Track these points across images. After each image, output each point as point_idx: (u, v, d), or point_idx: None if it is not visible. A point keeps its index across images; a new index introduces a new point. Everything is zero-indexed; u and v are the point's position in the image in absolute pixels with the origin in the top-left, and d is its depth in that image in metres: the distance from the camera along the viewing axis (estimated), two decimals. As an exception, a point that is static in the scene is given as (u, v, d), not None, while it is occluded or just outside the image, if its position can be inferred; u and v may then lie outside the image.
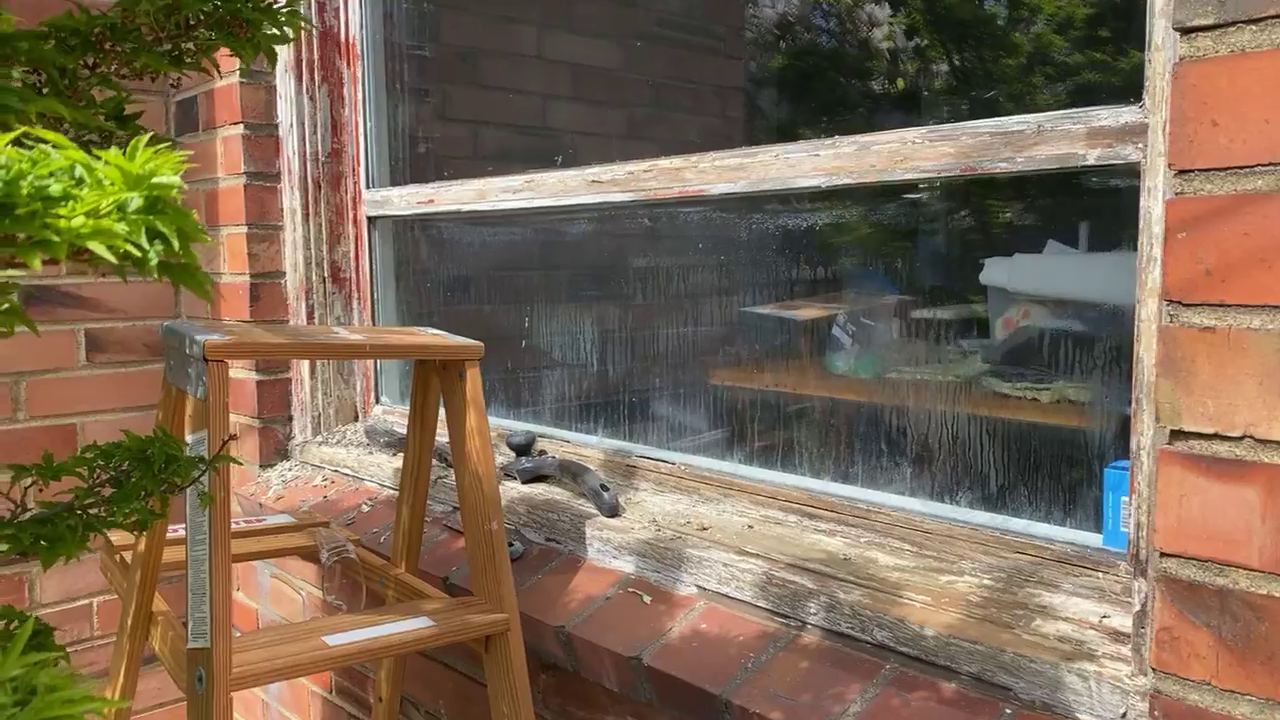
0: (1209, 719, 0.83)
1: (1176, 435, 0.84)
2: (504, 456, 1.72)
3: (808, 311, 1.83)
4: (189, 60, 0.73)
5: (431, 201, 1.91)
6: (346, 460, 1.93)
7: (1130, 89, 1.00)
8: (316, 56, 2.02)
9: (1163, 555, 0.85)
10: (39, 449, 2.02)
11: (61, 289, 2.09)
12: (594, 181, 1.57)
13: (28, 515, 0.78)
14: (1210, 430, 0.81)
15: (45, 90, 0.64)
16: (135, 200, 0.43)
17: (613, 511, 1.45)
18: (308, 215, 2.03)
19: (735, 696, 1.08)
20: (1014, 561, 1.15)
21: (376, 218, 2.07)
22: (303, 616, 1.96)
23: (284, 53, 2.00)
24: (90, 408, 2.14)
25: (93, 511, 0.80)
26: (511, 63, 2.37)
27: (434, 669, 1.62)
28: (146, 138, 0.46)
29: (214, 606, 1.02)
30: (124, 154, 0.44)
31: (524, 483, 1.64)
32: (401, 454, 1.87)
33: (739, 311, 1.84)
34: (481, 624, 1.20)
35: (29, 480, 0.79)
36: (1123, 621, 1.00)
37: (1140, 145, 0.97)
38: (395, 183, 2.10)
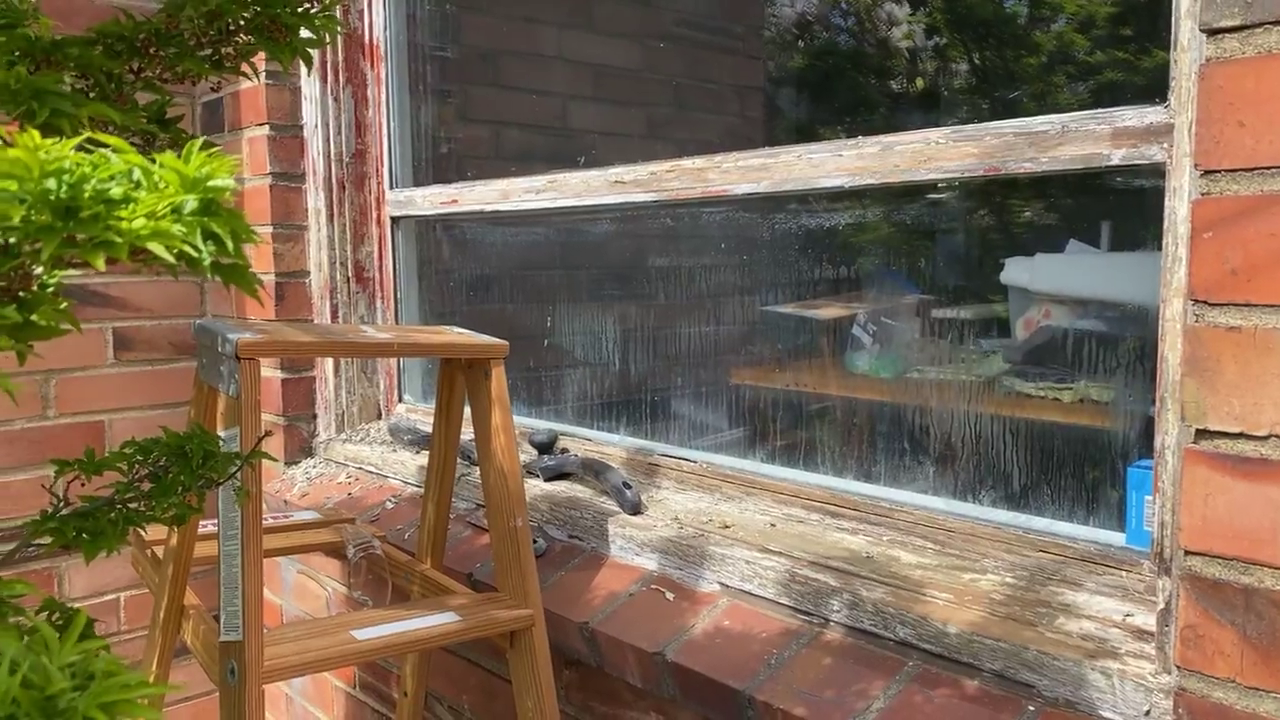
0: (1234, 717, 0.83)
1: (1202, 434, 0.84)
2: (526, 454, 1.74)
3: (828, 311, 1.83)
4: (228, 64, 0.75)
5: (455, 202, 1.92)
6: (370, 458, 1.96)
7: (1153, 89, 1.00)
8: (341, 58, 2.04)
9: (1188, 554, 0.85)
10: (68, 446, 2.06)
11: (90, 288, 2.12)
12: (617, 182, 1.58)
13: (69, 510, 0.80)
14: (1236, 429, 0.82)
15: (93, 94, 0.66)
16: (190, 202, 0.44)
17: (635, 509, 1.46)
18: (332, 215, 2.05)
19: (759, 693, 1.09)
20: (1036, 560, 1.15)
21: (400, 218, 2.09)
22: (327, 612, 1.98)
23: (309, 54, 2.02)
24: (118, 405, 2.17)
25: (132, 506, 0.82)
26: (532, 63, 2.38)
27: (457, 664, 1.63)
28: (200, 141, 0.47)
29: (246, 600, 1.04)
30: (178, 157, 0.46)
31: (546, 480, 1.66)
32: (424, 451, 1.89)
33: (759, 311, 1.85)
34: (507, 619, 1.21)
35: (72, 475, 0.81)
36: (1146, 620, 1.01)
37: (1165, 145, 0.98)
38: (418, 183, 2.12)
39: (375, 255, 2.12)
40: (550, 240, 2.21)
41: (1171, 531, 0.94)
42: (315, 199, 2.06)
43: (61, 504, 0.79)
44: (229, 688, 1.05)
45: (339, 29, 2.00)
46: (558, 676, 1.39)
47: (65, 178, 0.41)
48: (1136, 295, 1.44)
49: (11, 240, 0.42)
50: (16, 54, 0.60)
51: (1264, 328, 0.80)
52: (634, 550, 1.40)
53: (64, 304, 0.47)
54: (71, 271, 0.48)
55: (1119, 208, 1.58)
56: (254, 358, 1.07)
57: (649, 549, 1.38)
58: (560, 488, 1.62)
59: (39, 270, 0.45)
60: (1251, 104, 0.80)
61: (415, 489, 1.82)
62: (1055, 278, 1.68)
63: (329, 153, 2.04)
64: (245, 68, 0.76)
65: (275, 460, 2.11)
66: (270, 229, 2.05)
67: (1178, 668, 0.87)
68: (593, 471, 1.59)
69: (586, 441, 1.77)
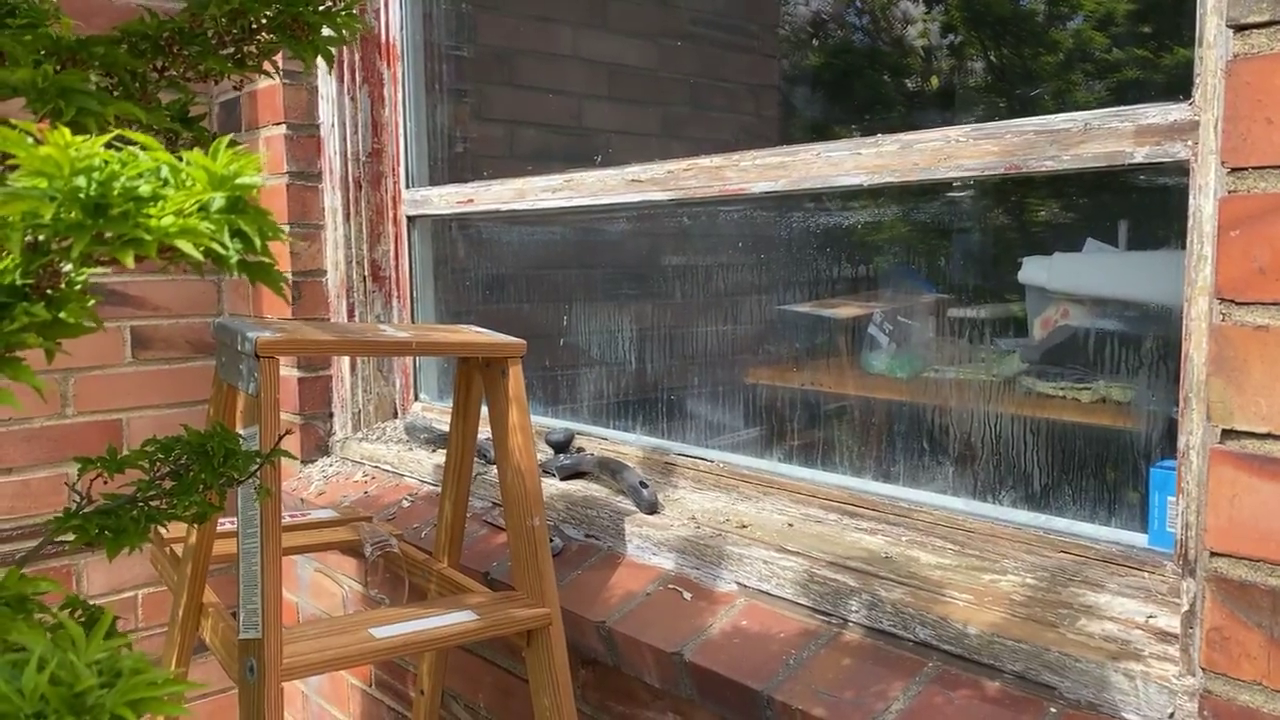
0: (1260, 719, 0.82)
1: (1228, 435, 0.83)
2: (542, 453, 1.74)
3: (845, 310, 1.82)
4: (250, 63, 0.75)
5: (471, 201, 1.93)
6: (386, 456, 1.96)
7: (1175, 86, 1.00)
8: (358, 58, 2.04)
9: (1213, 555, 0.85)
10: (86, 444, 2.07)
11: (108, 287, 2.13)
12: (633, 180, 1.58)
13: (92, 507, 0.80)
14: (1263, 430, 0.81)
15: (117, 93, 0.66)
16: (218, 200, 0.44)
17: (652, 508, 1.46)
18: (349, 214, 2.06)
19: (777, 693, 1.09)
20: (1057, 561, 1.15)
21: (416, 217, 2.09)
22: (343, 610, 1.98)
23: (325, 54, 2.02)
24: (136, 403, 2.18)
25: (154, 504, 0.83)
26: (547, 62, 2.38)
27: (474, 663, 1.63)
28: (227, 139, 0.47)
29: (265, 598, 1.04)
30: (206, 155, 0.46)
31: (562, 479, 1.66)
32: (440, 450, 1.90)
33: (776, 310, 1.84)
34: (524, 618, 1.21)
35: (94, 473, 0.81)
36: (1169, 621, 1.00)
37: (1190, 143, 0.97)
38: (434, 182, 2.12)
39: (391, 254, 2.12)
40: (566, 239, 2.21)
41: (1196, 533, 0.93)
42: (332, 198, 2.07)
43: (84, 501, 0.80)
44: (248, 685, 1.05)
45: (359, 27, 2.01)
46: (574, 675, 1.39)
47: (95, 175, 0.41)
48: (1156, 294, 1.42)
49: (41, 237, 0.42)
50: (43, 53, 0.60)
51: (1292, 327, 0.79)
52: (651, 550, 1.40)
53: (91, 301, 0.47)
54: (98, 269, 0.48)
55: (1138, 206, 1.56)
56: (274, 356, 1.08)
57: (666, 548, 1.37)
58: (576, 487, 1.62)
59: (68, 268, 0.45)
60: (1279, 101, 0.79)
61: (431, 488, 1.82)
62: (1073, 277, 1.67)
63: (345, 152, 2.05)
64: (267, 65, 0.76)
65: (294, 458, 2.12)
66: (287, 228, 2.06)
67: (1203, 670, 0.86)
68: (609, 470, 1.59)
69: (603, 440, 1.77)
